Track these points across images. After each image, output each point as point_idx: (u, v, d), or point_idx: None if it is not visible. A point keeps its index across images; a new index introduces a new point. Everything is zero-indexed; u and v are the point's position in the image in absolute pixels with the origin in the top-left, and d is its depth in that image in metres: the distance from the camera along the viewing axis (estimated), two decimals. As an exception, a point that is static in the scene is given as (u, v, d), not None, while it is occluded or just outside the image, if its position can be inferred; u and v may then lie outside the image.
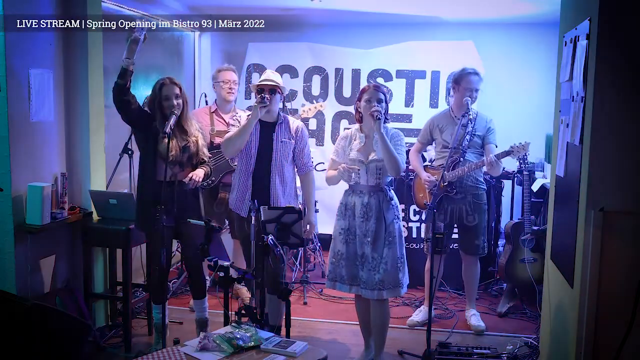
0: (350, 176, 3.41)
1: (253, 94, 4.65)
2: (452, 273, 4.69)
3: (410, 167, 4.52)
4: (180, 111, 3.55)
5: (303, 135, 3.69)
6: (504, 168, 4.96)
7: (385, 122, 3.40)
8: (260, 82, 3.63)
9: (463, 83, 4.11)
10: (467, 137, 4.06)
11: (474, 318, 4.25)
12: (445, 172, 3.98)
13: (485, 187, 4.29)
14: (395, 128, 3.55)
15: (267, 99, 3.50)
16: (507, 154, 4.08)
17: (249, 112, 3.63)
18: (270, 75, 3.64)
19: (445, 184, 4.02)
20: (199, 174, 3.61)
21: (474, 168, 4.08)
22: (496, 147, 4.16)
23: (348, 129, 3.74)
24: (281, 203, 3.55)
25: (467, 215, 4.13)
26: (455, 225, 4.28)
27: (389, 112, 3.56)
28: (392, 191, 3.50)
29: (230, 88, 4.44)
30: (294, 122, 3.71)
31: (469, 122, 4.04)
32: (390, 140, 3.36)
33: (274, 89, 3.57)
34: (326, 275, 3.57)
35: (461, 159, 4.02)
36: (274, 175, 3.59)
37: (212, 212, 4.33)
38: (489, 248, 5.08)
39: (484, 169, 4.11)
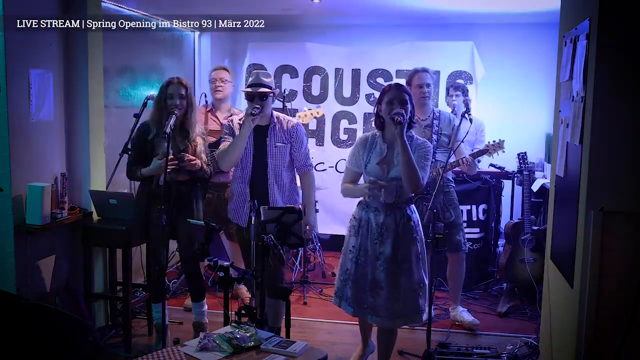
0: (374, 195, 3.07)
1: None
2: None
3: None
4: (182, 112, 3.55)
5: (299, 135, 3.54)
6: (504, 168, 4.97)
7: (411, 126, 3.07)
8: (248, 86, 3.45)
9: (414, 81, 4.14)
10: (434, 136, 4.03)
11: (466, 314, 4.25)
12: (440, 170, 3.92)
13: (454, 184, 4.28)
14: None
15: (258, 108, 3.34)
16: (482, 152, 4.09)
17: (242, 114, 3.58)
18: (260, 78, 3.43)
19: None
20: (198, 163, 3.58)
21: (450, 168, 4.07)
22: (462, 143, 4.17)
23: (365, 132, 3.28)
24: None
25: (443, 212, 4.10)
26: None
27: None
28: (412, 208, 3.20)
29: (216, 86, 4.45)
30: (289, 122, 3.56)
31: (434, 121, 4.04)
32: (415, 151, 3.02)
33: (264, 94, 3.39)
34: (334, 292, 3.35)
35: (433, 159, 3.89)
36: (271, 182, 3.50)
37: None
38: (489, 248, 5.11)
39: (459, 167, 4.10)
